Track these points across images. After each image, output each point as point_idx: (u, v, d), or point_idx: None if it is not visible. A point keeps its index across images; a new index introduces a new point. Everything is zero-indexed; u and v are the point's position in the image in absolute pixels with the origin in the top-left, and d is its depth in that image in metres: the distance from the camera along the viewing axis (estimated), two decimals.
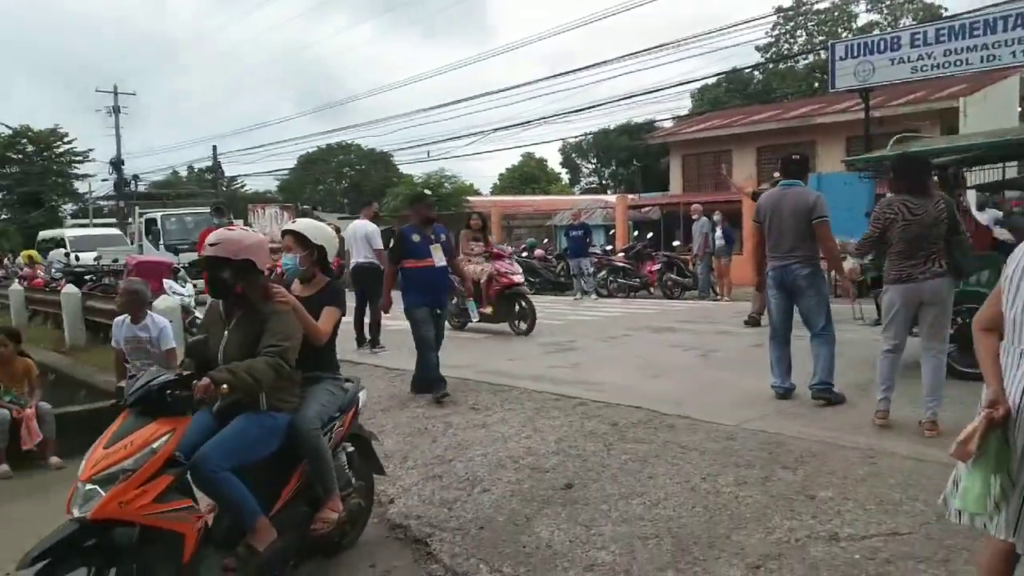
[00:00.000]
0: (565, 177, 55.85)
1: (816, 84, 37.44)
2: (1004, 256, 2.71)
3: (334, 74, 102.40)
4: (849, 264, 7.07)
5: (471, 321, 10.75)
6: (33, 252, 23.13)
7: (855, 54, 15.76)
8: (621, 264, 17.36)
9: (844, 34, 35.62)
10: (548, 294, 17.47)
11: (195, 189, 50.15)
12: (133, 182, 42.38)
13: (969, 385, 6.10)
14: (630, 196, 28.10)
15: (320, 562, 3.76)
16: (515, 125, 49.71)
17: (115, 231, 22.59)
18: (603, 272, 17.26)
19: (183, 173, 57.98)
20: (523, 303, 10.42)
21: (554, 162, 55.87)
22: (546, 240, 25.29)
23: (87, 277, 15.68)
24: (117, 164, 41.12)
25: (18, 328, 8.74)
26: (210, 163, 43.58)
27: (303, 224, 4.14)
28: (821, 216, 5.72)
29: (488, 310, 10.34)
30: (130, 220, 31.64)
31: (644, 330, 10.48)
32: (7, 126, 47.24)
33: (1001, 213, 14.44)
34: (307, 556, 3.65)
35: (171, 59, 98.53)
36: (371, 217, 10.05)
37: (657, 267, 16.66)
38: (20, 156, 49.44)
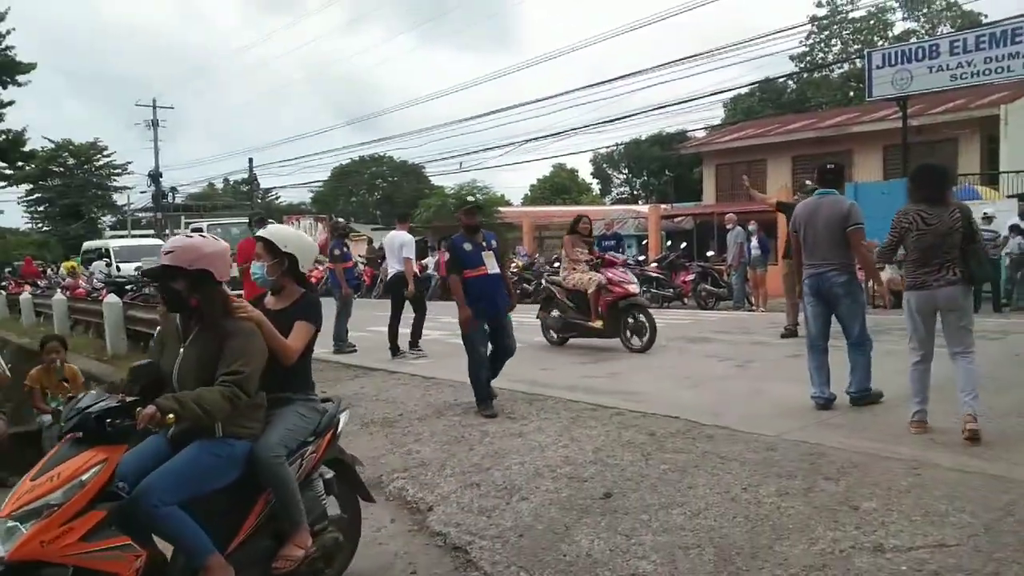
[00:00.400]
0: (596, 187, 55.79)
1: (851, 93, 37.05)
2: None
3: (368, 87, 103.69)
4: (888, 274, 7.00)
5: (564, 336, 10.08)
6: (75, 263, 23.68)
7: (892, 62, 15.64)
8: (654, 274, 17.27)
9: (880, 42, 35.21)
10: None
11: (231, 201, 50.99)
12: (171, 194, 43.20)
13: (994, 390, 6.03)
14: (662, 206, 27.98)
15: (359, 570, 3.80)
16: (547, 136, 49.78)
17: (158, 241, 22.98)
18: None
19: (219, 185, 58.98)
20: (640, 316, 9.46)
21: (585, 172, 55.87)
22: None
23: (128, 287, 15.98)
24: (155, 176, 42.01)
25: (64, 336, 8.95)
26: (246, 175, 44.27)
27: (273, 230, 3.83)
28: (856, 224, 5.77)
29: (597, 324, 9.41)
30: (167, 231, 32.25)
31: (679, 340, 10.42)
32: (50, 140, 48.49)
33: None
34: None
35: (209, 73, 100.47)
36: (408, 230, 10.39)
37: (691, 277, 16.57)
38: (61, 169, 50.69)
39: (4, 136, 31.35)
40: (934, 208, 5.12)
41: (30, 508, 2.56)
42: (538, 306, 10.76)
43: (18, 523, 2.54)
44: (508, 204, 42.04)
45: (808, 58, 39.91)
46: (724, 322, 12.98)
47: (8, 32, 28.91)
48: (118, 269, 18.02)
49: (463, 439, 5.74)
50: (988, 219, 13.46)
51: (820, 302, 6.02)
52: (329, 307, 10.62)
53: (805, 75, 39.48)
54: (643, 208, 29.66)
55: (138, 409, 2.77)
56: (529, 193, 55.38)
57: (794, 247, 6.33)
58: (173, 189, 43.93)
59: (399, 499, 4.79)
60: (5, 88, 29.93)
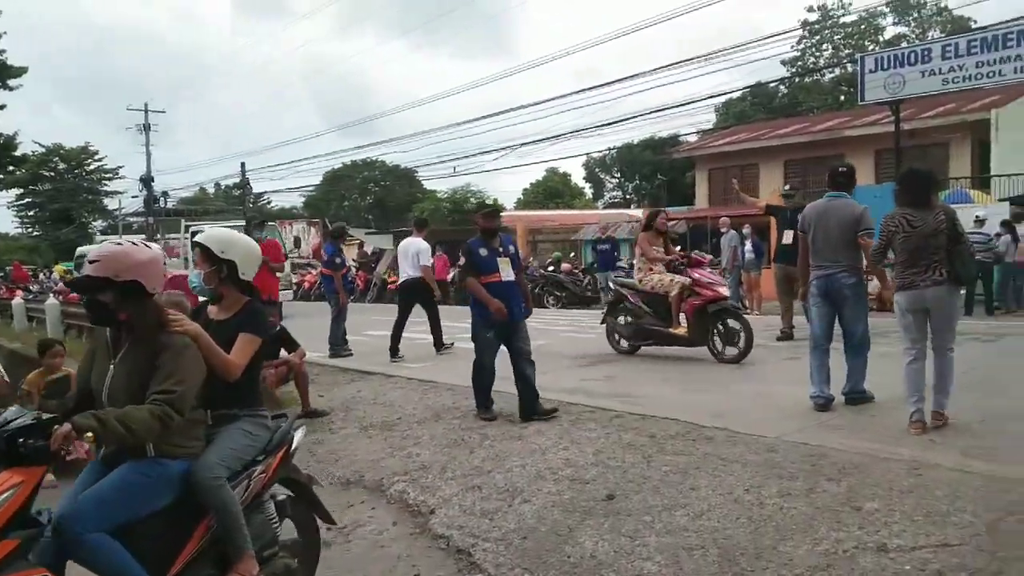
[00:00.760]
0: (589, 191, 55.86)
1: (842, 97, 37.24)
2: None
3: (361, 91, 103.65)
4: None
5: (636, 344, 9.31)
6: (65, 267, 23.55)
7: (885, 67, 15.72)
8: None
9: (871, 47, 35.41)
10: (575, 308, 17.47)
11: (223, 206, 50.79)
12: (163, 198, 43.02)
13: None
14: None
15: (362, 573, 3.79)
16: (540, 140, 49.80)
17: (153, 245, 22.87)
18: None
19: (211, 190, 58.82)
20: (732, 322, 8.59)
21: (578, 177, 55.90)
22: (572, 254, 25.32)
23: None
24: (147, 181, 41.80)
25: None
26: (238, 179, 44.15)
27: (210, 234, 3.51)
28: (868, 228, 5.89)
29: (680, 330, 8.59)
30: (158, 236, 32.12)
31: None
32: (40, 144, 48.32)
33: None
34: None
35: (201, 77, 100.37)
36: (425, 237, 10.59)
37: None
38: (52, 174, 50.53)
39: None
40: (919, 211, 5.33)
41: None
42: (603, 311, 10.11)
43: None
44: (502, 208, 42.05)
45: (800, 62, 40.12)
46: None
47: None
48: None
49: (463, 442, 5.74)
50: (980, 222, 13.55)
51: (827, 303, 6.12)
52: (324, 312, 10.67)
53: (797, 79, 39.67)
54: (636, 212, 29.70)
55: (55, 427, 2.52)
56: (522, 197, 55.42)
57: (801, 248, 6.41)
58: (165, 194, 43.72)
59: (400, 502, 4.78)
60: None
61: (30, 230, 53.43)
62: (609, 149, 45.38)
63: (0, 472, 2.46)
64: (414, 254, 10.22)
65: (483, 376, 6.42)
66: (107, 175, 51.97)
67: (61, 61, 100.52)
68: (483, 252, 6.38)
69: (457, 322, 10.59)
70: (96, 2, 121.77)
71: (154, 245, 3.09)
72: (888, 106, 16.51)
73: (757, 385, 7.27)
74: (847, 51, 37.85)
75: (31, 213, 52.47)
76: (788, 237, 10.01)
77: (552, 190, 53.56)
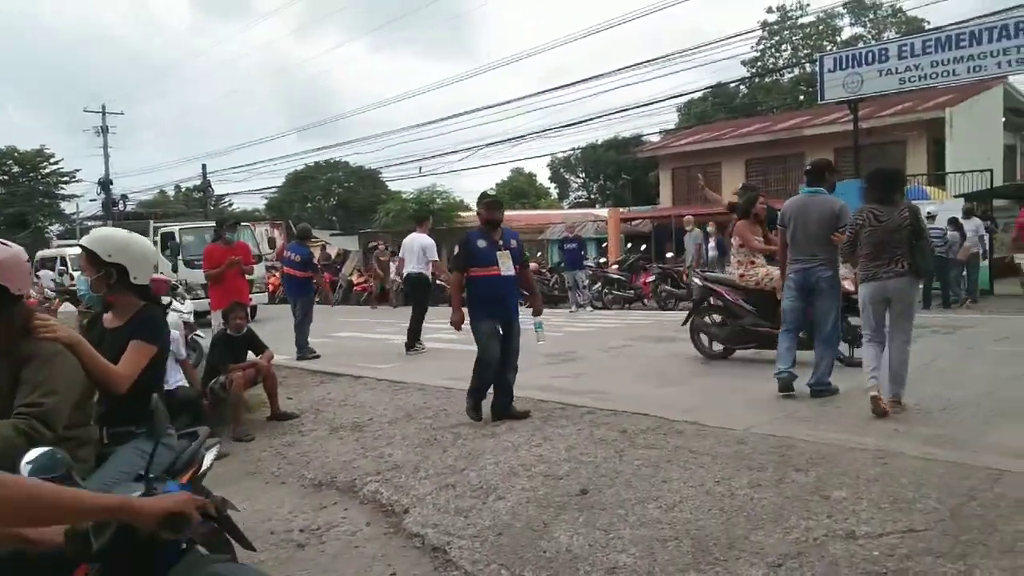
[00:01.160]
0: (554, 191, 56.10)
1: (802, 97, 37.84)
2: None
3: (324, 92, 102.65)
4: (843, 272, 7.22)
5: (731, 347, 8.48)
6: None
7: (844, 66, 16.02)
8: (616, 276, 17.46)
9: (829, 47, 36.04)
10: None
11: (183, 208, 50.01)
12: (122, 201, 42.25)
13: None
14: (620, 210, 28.28)
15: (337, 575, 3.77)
16: (505, 140, 49.94)
17: (12, 244, 22.29)
18: (598, 284, 17.37)
19: (171, 192, 57.90)
20: (856, 321, 7.57)
21: (543, 177, 56.21)
22: (539, 254, 25.40)
23: (82, 294, 15.55)
24: (105, 184, 41.04)
25: None
26: (199, 182, 43.51)
27: (96, 236, 3.22)
28: (846, 224, 6.07)
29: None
30: None
31: (643, 340, 10.53)
32: None
33: (981, 223, 14.69)
34: None
35: (160, 78, 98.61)
36: (427, 231, 10.78)
37: (651, 279, 16.77)
38: (6, 177, 49.36)
39: None
40: (885, 207, 5.65)
41: None
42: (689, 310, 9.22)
43: None
44: (468, 208, 42.10)
45: (759, 63, 40.70)
46: None
47: None
48: (71, 278, 17.53)
49: (435, 441, 5.73)
50: (931, 218, 13.87)
51: (801, 296, 6.38)
52: (290, 314, 10.58)
53: (757, 80, 40.24)
54: (602, 212, 29.91)
55: None
56: (480, 197, 55.36)
57: (780, 241, 6.65)
58: (124, 196, 42.97)
59: (374, 502, 4.76)
60: None
61: None
62: (573, 149, 45.70)
63: None
64: (419, 249, 10.42)
65: (486, 372, 6.11)
66: (64, 178, 50.86)
67: (15, 62, 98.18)
68: (481, 244, 6.15)
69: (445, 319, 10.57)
70: (53, 1, 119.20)
71: (13, 244, 2.73)
72: (847, 105, 16.82)
73: (724, 379, 7.37)
74: (806, 51, 38.50)
75: None
76: None
77: (518, 190, 53.71)
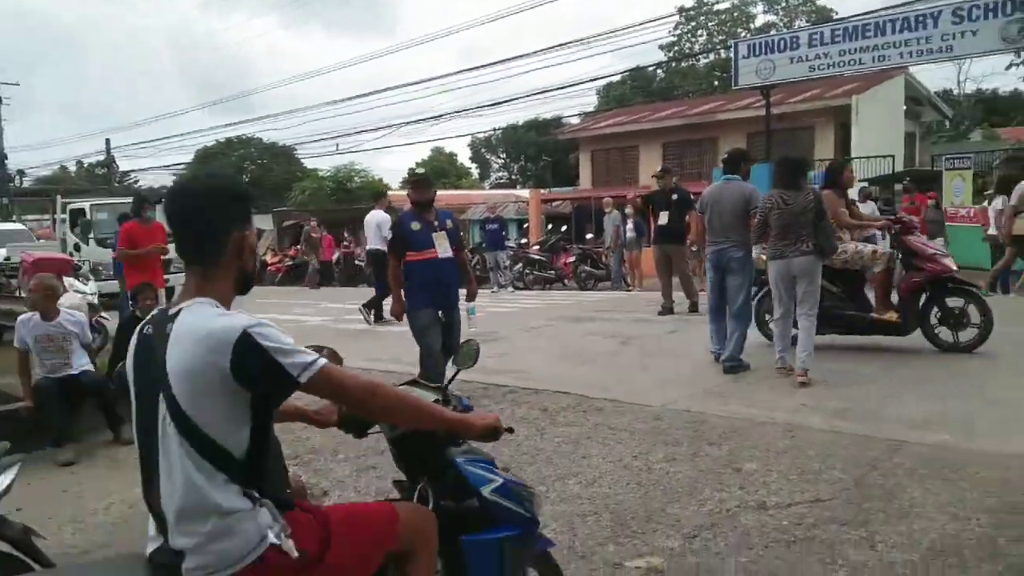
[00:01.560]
0: (475, 172, 55.92)
1: (716, 82, 38.69)
2: None
3: (237, 66, 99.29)
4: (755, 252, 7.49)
5: None
6: None
7: (757, 53, 16.42)
8: (537, 257, 17.57)
9: (743, 34, 36.93)
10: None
11: (86, 185, 47.72)
12: (18, 177, 40.03)
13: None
14: (541, 191, 28.40)
15: None
16: (425, 119, 49.55)
17: (20, 226, 20.78)
18: (519, 265, 17.44)
19: (72, 168, 55.18)
20: (960, 299, 6.80)
21: (464, 157, 55.90)
22: (460, 234, 25.28)
23: None
24: None
25: None
26: (102, 157, 41.61)
27: None
28: (756, 207, 6.46)
29: (891, 315, 6.86)
30: (14, 217, 29.87)
31: (563, 320, 10.64)
32: None
33: (875, 207, 15.39)
34: None
35: (61, 47, 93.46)
36: (385, 208, 11.41)
37: (571, 259, 16.95)
38: None
39: None
40: (791, 192, 6.08)
41: None
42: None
43: None
44: (388, 187, 41.63)
45: (676, 48, 41.38)
46: (604, 302, 13.33)
47: None
48: None
49: None
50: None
51: (718, 274, 6.78)
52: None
53: (673, 64, 40.93)
54: (523, 192, 29.97)
55: None
56: (407, 176, 54.83)
57: (697, 227, 7.20)
58: (20, 172, 40.76)
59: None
60: None
61: None
62: (494, 130, 45.60)
63: None
64: (376, 226, 10.98)
65: (430, 360, 5.68)
66: None
67: None
68: (415, 226, 5.75)
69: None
70: None
71: None
72: (760, 91, 17.26)
73: (642, 358, 7.51)
74: (721, 38, 39.32)
75: None
76: (664, 218, 10.59)
77: (438, 169, 53.25)
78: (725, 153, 7.28)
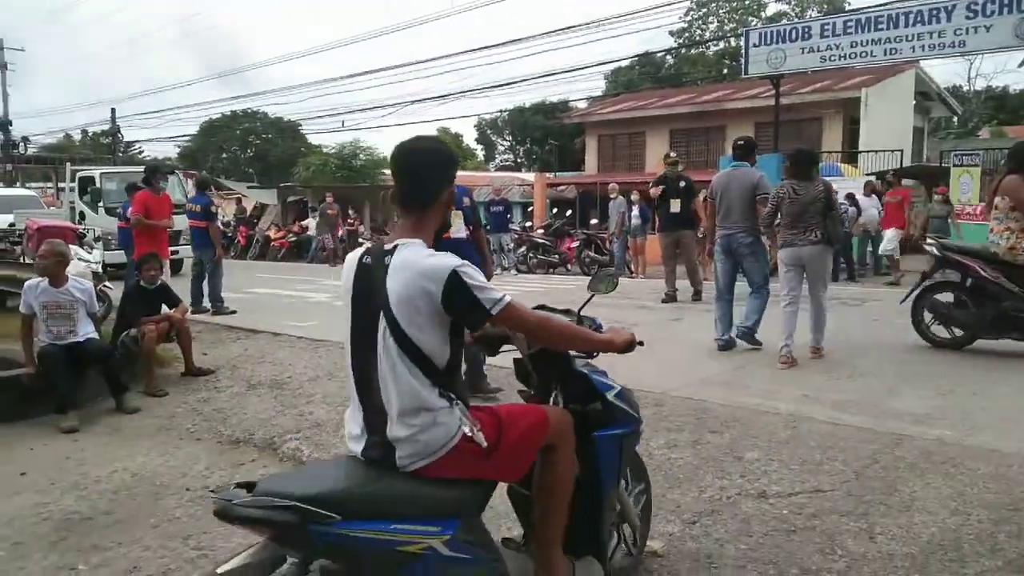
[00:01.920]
0: (480, 153, 55.73)
1: (725, 70, 38.47)
2: None
3: (244, 38, 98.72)
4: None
5: (976, 336, 6.65)
6: None
7: (768, 41, 16.29)
8: (541, 240, 17.54)
9: (754, 22, 36.66)
10: None
11: (90, 154, 47.58)
12: (23, 144, 39.86)
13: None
14: (547, 175, 28.34)
15: None
16: (432, 98, 49.22)
17: (29, 192, 20.66)
18: (523, 248, 17.43)
19: (77, 137, 55.01)
20: None
21: (470, 138, 55.66)
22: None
23: None
24: (4, 125, 38.58)
25: None
26: (107, 127, 41.40)
27: None
28: (764, 192, 6.70)
29: None
30: (18, 184, 29.81)
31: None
32: None
33: (879, 200, 15.31)
34: None
35: (67, 14, 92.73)
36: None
37: (575, 244, 16.93)
38: None
39: None
40: (803, 183, 6.31)
41: None
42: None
43: None
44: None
45: (687, 34, 41.12)
46: None
47: None
48: None
49: None
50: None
51: (728, 259, 7.00)
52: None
53: (683, 51, 40.69)
54: (528, 176, 29.92)
55: None
56: None
57: (709, 212, 7.36)
58: (25, 139, 40.54)
59: (294, 459, 4.68)
60: None
61: None
62: (501, 111, 45.38)
63: None
64: None
65: None
66: None
67: None
68: None
69: None
70: None
71: None
72: (770, 80, 17.16)
73: (644, 345, 7.49)
74: (731, 25, 39.07)
75: None
76: (676, 206, 10.53)
77: None
78: (740, 139, 7.37)
